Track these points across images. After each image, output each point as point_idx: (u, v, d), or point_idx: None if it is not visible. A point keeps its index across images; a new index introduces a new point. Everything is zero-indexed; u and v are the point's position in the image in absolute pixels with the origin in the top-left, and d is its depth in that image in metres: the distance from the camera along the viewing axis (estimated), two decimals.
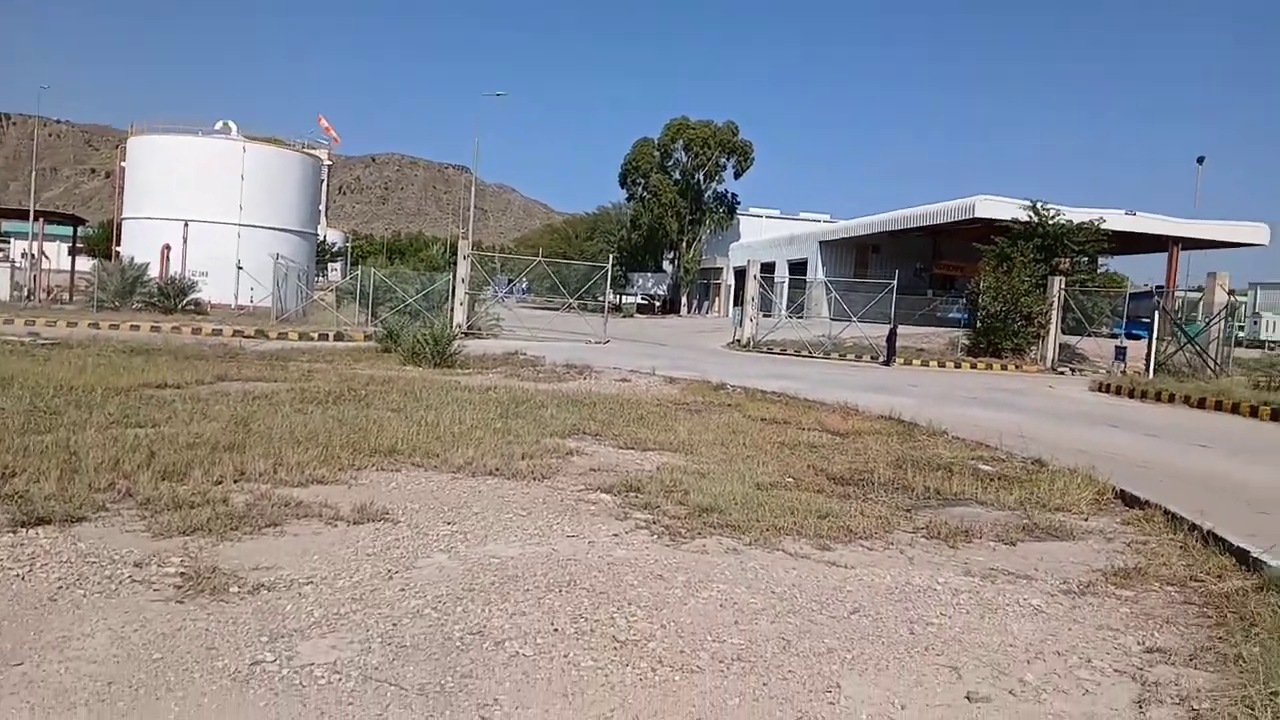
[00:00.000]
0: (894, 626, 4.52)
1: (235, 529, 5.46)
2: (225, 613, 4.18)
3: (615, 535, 5.93)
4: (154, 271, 34.24)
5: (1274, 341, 45.96)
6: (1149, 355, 25.26)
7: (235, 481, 6.64)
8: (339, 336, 25.26)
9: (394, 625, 4.14)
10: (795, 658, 4.04)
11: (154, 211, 38.14)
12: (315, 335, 25.00)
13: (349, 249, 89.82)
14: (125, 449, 7.21)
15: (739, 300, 43.82)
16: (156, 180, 38.69)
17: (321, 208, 66.95)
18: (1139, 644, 4.42)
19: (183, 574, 4.64)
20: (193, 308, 31.97)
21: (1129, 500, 7.83)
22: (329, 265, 76.59)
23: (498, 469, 7.67)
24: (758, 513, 6.58)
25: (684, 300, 69.25)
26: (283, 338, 24.36)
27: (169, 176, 38.37)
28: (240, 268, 33.17)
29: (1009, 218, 34.01)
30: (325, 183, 76.13)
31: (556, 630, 4.18)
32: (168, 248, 35.92)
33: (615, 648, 4.01)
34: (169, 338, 21.57)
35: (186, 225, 36.20)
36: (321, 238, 74.64)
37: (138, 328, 24.39)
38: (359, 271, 32.94)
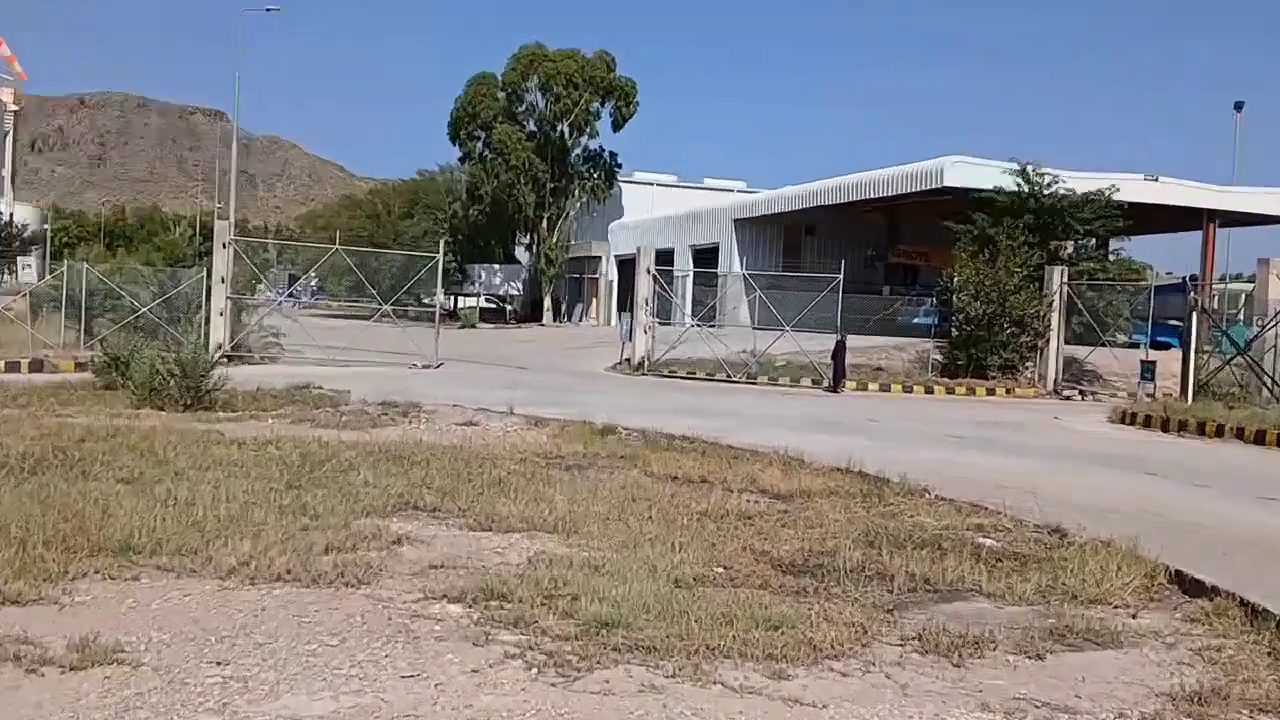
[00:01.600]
0: None
1: None
2: None
3: (474, 672, 5.68)
4: None
5: None
6: (1184, 372, 26.29)
7: None
8: (37, 365, 24.36)
9: None
10: None
11: None
12: (1, 364, 23.91)
13: (49, 234, 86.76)
14: None
15: (626, 303, 43.93)
16: None
17: (5, 173, 64.51)
18: None
19: None
20: None
21: (1189, 586, 7.98)
22: (19, 259, 73.73)
23: (290, 571, 7.37)
24: (680, 625, 6.45)
25: (548, 303, 69.10)
26: None
27: None
28: None
29: (990, 186, 34.97)
30: (11, 136, 73.46)
31: None
32: None
33: None
34: None
35: None
36: (6, 217, 71.84)
37: None
38: (65, 268, 31.70)
